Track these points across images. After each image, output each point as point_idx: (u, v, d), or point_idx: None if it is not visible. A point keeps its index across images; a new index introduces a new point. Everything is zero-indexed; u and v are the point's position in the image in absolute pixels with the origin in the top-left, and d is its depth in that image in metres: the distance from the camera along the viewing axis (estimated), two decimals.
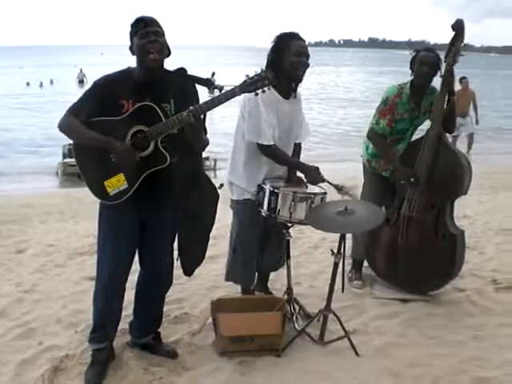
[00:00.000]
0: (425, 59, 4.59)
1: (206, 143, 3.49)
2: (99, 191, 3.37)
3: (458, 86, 12.66)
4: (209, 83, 3.51)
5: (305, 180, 4.16)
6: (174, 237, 3.68)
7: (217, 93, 3.24)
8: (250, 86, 3.14)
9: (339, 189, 3.96)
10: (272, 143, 4.02)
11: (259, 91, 3.17)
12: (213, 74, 31.26)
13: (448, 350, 3.96)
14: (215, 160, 14.69)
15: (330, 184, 3.99)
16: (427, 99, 4.74)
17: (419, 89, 4.70)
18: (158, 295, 3.81)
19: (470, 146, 14.62)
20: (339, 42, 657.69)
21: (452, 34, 4.52)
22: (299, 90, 4.24)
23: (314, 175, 4.04)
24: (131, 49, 3.26)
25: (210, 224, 3.82)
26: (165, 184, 3.39)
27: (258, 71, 3.18)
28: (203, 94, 3.51)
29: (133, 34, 3.23)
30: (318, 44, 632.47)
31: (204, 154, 14.01)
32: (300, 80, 4.07)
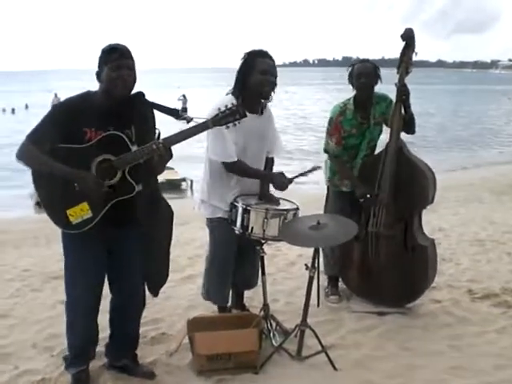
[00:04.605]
0: (361, 71, 4.61)
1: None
2: (61, 220, 3.30)
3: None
4: (175, 113, 3.49)
5: (274, 189, 4.18)
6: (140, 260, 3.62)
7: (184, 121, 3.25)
8: (221, 119, 3.19)
9: (314, 169, 3.98)
10: (234, 159, 4.03)
11: (230, 125, 3.22)
12: (183, 95, 31.66)
13: (426, 361, 3.97)
14: (191, 181, 14.80)
15: (301, 175, 4.03)
16: (376, 109, 4.73)
17: (363, 101, 4.70)
18: (132, 319, 3.78)
19: None
20: (313, 61, 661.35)
21: (402, 44, 4.52)
22: (270, 107, 4.29)
23: (280, 180, 4.07)
24: (98, 75, 3.21)
25: (169, 242, 3.78)
26: (129, 210, 3.33)
27: (229, 105, 3.23)
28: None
29: (103, 63, 3.18)
30: (293, 64, 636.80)
31: (181, 175, 14.12)
32: (267, 97, 4.10)
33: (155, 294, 3.86)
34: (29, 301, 5.24)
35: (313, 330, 3.98)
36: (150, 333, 4.38)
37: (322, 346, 3.93)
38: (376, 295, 4.87)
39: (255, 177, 4.21)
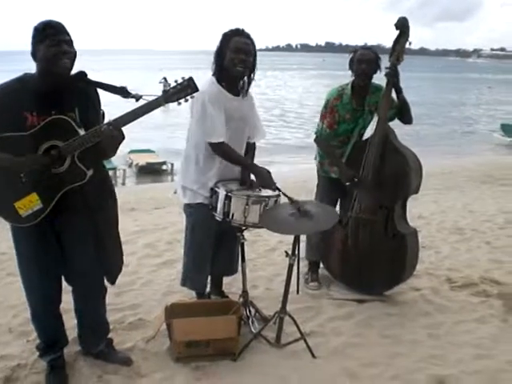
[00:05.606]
0: (362, 57, 4.58)
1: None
2: (10, 214, 3.13)
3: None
4: (123, 92, 3.12)
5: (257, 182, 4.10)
6: (95, 247, 3.45)
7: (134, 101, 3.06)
8: (173, 95, 2.98)
9: (291, 200, 3.90)
10: (221, 140, 3.95)
11: (182, 100, 3.02)
12: (164, 78, 31.22)
13: (404, 349, 3.98)
14: (172, 164, 14.75)
15: (282, 194, 3.94)
16: (372, 97, 4.72)
17: (361, 88, 4.68)
18: (95, 306, 3.68)
19: None
20: (296, 46, 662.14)
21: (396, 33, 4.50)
22: (250, 89, 4.20)
23: (266, 179, 3.98)
24: (34, 55, 2.97)
25: (117, 225, 3.61)
26: (79, 197, 3.17)
27: (180, 80, 3.00)
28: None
29: (39, 41, 2.91)
30: (276, 48, 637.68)
31: (161, 159, 14.02)
32: (238, 76, 4.00)
33: (112, 281, 3.68)
34: (5, 285, 5.16)
35: (292, 318, 3.97)
36: (128, 318, 4.34)
37: (301, 333, 3.93)
38: (356, 281, 4.89)
39: (238, 163, 4.13)
